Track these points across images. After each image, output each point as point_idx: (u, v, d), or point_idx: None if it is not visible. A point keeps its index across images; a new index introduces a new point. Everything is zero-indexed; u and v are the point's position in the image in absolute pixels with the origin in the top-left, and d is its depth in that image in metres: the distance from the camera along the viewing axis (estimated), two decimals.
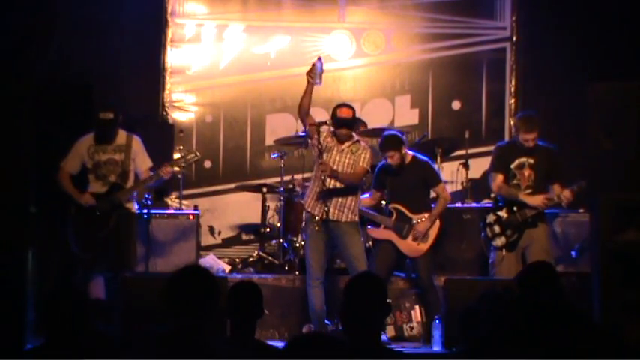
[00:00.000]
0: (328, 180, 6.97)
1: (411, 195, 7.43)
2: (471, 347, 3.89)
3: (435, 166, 7.79)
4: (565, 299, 4.34)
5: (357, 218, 7.13)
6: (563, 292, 4.40)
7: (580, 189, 7.05)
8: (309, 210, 7.06)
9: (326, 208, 6.96)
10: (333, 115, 7.10)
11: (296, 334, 2.85)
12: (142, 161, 7.14)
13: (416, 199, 7.45)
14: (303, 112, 7.08)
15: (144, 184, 7.15)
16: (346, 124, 7.10)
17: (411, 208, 7.41)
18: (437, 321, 6.97)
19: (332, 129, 7.13)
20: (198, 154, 7.36)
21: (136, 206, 7.18)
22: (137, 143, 7.14)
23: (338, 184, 7.03)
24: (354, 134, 7.21)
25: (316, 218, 6.97)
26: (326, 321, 7.10)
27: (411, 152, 7.50)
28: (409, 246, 7.43)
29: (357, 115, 8.78)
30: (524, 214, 7.19)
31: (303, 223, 7.32)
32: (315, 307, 7.02)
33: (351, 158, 7.08)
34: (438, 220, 7.43)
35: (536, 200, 7.18)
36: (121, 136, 7.10)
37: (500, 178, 7.33)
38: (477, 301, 4.05)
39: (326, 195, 6.96)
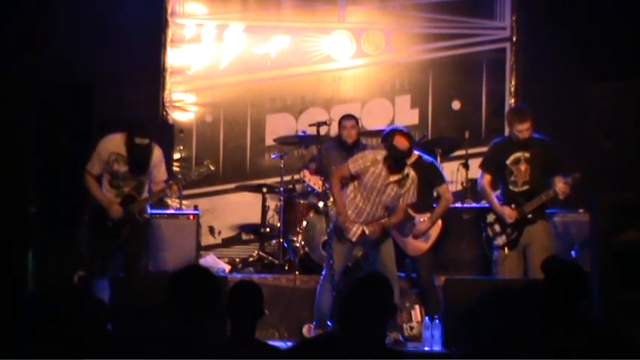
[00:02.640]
0: (369, 212, 6.94)
1: None
2: (472, 348, 3.89)
3: (440, 167, 7.78)
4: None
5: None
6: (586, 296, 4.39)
7: (575, 180, 7.03)
8: (347, 235, 6.97)
9: (358, 232, 6.98)
10: (389, 141, 6.85)
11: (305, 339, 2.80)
12: (158, 173, 7.14)
13: (419, 198, 7.45)
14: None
15: (156, 197, 7.17)
16: (403, 156, 6.86)
17: (414, 207, 7.42)
18: (437, 321, 6.97)
19: (382, 155, 6.92)
20: (211, 167, 7.32)
21: (148, 213, 7.19)
22: (158, 154, 7.12)
23: (378, 212, 6.99)
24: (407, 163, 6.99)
25: (353, 239, 6.98)
26: (328, 322, 7.11)
27: (417, 152, 7.50)
28: (410, 244, 7.44)
29: (357, 115, 8.83)
30: (522, 211, 7.18)
31: (331, 226, 7.20)
32: (322, 308, 7.02)
33: (397, 192, 6.91)
34: (439, 221, 7.44)
35: (508, 215, 7.16)
36: None
37: (487, 178, 7.36)
38: (478, 300, 4.04)
39: (361, 224, 6.96)
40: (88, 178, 7.03)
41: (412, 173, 6.97)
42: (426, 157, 7.52)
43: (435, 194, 7.53)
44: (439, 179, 7.46)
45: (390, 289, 3.81)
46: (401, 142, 6.84)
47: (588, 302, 5.73)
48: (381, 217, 6.98)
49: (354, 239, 6.96)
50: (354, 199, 6.98)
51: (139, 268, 7.05)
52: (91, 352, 3.76)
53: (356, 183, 6.96)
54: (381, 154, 6.94)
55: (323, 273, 7.09)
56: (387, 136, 6.92)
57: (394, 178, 6.88)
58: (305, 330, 7.33)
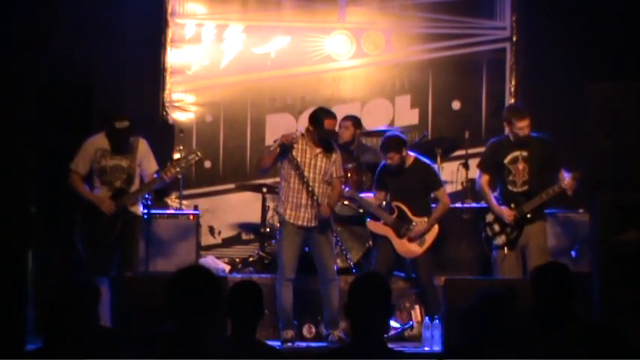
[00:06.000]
0: (309, 190, 7.00)
1: (412, 197, 7.44)
2: (470, 346, 3.90)
3: (437, 170, 7.78)
4: (577, 301, 4.33)
5: (331, 218, 7.24)
6: (576, 294, 4.37)
7: (580, 175, 6.96)
8: (290, 221, 7.06)
9: (307, 216, 7.01)
10: (318, 123, 7.05)
11: None
12: (148, 165, 7.12)
13: (417, 201, 7.46)
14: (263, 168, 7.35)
15: (147, 188, 7.14)
16: (333, 136, 7.17)
17: (413, 210, 7.42)
18: (437, 321, 6.97)
19: (302, 131, 7.16)
20: (199, 153, 7.37)
21: (141, 208, 7.18)
22: (143, 146, 7.11)
23: (319, 195, 7.04)
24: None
25: (297, 227, 7.02)
26: (294, 321, 7.14)
27: (413, 154, 7.50)
28: (404, 246, 7.43)
29: (357, 115, 8.84)
30: (522, 210, 7.17)
31: (278, 224, 7.33)
32: (284, 306, 7.05)
33: (327, 163, 7.10)
34: (436, 225, 7.43)
35: (507, 215, 7.16)
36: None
37: (485, 178, 7.35)
38: (476, 300, 4.04)
39: (307, 206, 7.01)
40: (73, 177, 7.00)
41: (334, 145, 7.24)
42: (423, 159, 7.53)
43: (432, 195, 7.54)
44: (436, 183, 7.47)
45: (387, 288, 3.82)
46: (331, 124, 7.07)
47: (588, 302, 5.75)
48: (323, 194, 7.07)
49: (299, 225, 7.02)
50: (289, 186, 7.09)
51: (134, 261, 7.04)
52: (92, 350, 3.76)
53: (286, 170, 7.09)
54: (299, 134, 7.17)
55: (278, 274, 7.15)
56: (316, 117, 7.10)
57: (319, 149, 7.07)
58: (305, 331, 7.33)
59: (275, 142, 7.18)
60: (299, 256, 7.11)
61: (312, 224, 7.04)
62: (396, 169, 7.38)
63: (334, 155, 7.13)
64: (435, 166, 7.82)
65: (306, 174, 7.03)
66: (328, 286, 7.04)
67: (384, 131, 8.64)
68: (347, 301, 3.77)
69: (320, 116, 7.08)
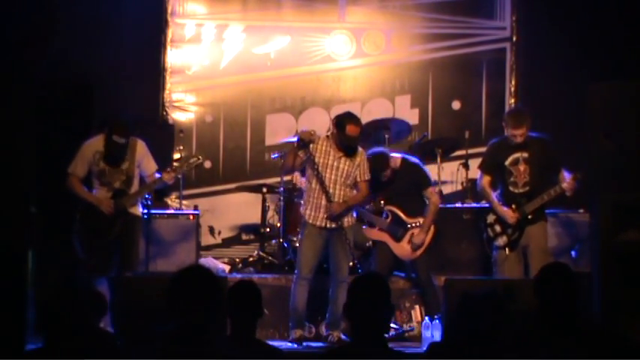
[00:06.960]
0: (331, 192, 6.96)
1: (405, 198, 7.44)
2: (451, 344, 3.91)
3: (426, 168, 7.70)
4: (579, 301, 4.32)
5: (354, 220, 7.19)
6: (578, 294, 4.37)
7: (580, 176, 6.96)
8: (310, 222, 7.04)
9: (327, 217, 6.98)
10: (341, 127, 6.97)
11: None
12: (147, 165, 7.14)
13: (410, 202, 7.46)
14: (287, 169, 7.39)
15: (147, 189, 7.16)
16: (355, 143, 7.03)
17: (406, 212, 7.42)
18: (437, 321, 6.97)
19: (326, 133, 7.15)
20: (200, 157, 7.38)
21: (140, 209, 7.19)
22: (142, 147, 7.13)
23: (339, 197, 7.01)
24: None
25: (317, 228, 7.00)
26: (305, 322, 7.12)
27: (399, 155, 7.47)
28: (402, 249, 7.43)
29: (357, 115, 8.83)
30: (523, 211, 7.17)
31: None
32: (297, 306, 7.03)
33: (350, 166, 7.03)
34: (432, 226, 7.42)
35: (510, 216, 7.14)
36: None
37: (486, 179, 7.33)
38: (469, 299, 4.04)
39: (326, 207, 6.97)
40: (71, 180, 7.04)
41: (360, 148, 7.13)
42: (410, 158, 7.51)
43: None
44: (425, 182, 7.44)
45: (387, 288, 3.82)
46: (353, 131, 6.95)
47: (588, 302, 5.75)
48: (342, 197, 7.02)
49: (320, 225, 6.99)
50: (311, 187, 7.06)
51: (134, 262, 7.05)
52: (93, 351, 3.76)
53: (309, 171, 7.05)
54: (324, 136, 7.12)
55: (295, 272, 7.13)
56: (339, 121, 7.01)
57: (343, 152, 7.01)
58: (306, 331, 7.32)
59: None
60: (319, 256, 7.06)
61: (332, 225, 7.02)
62: (389, 178, 7.37)
63: (358, 159, 7.05)
64: (423, 165, 7.75)
65: (327, 175, 6.99)
66: (337, 287, 7.03)
67: (382, 121, 8.62)
68: (347, 301, 3.77)
69: (343, 121, 6.99)
